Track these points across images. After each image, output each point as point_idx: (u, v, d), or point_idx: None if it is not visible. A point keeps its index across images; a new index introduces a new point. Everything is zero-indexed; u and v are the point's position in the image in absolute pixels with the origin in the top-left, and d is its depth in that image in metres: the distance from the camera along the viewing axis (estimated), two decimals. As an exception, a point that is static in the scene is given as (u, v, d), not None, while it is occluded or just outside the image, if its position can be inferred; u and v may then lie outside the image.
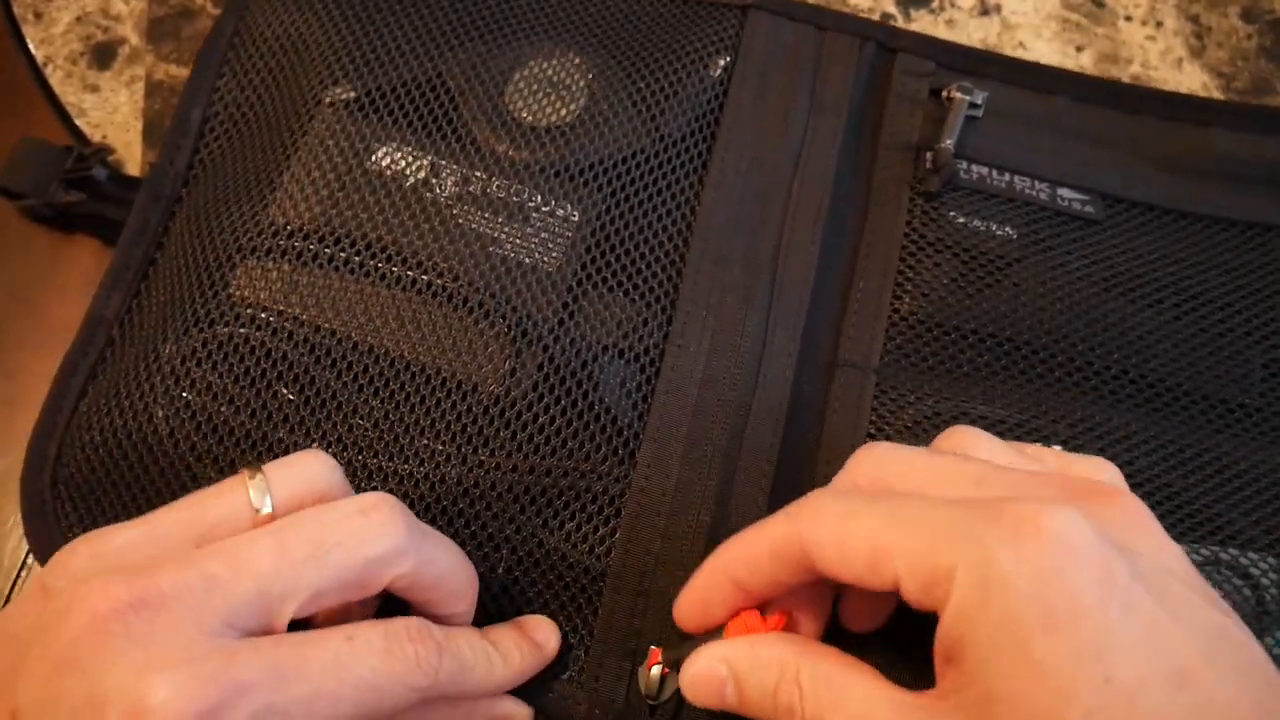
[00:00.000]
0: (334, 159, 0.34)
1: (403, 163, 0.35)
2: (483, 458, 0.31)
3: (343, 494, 0.27)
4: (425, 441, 0.31)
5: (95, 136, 0.41)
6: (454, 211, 0.34)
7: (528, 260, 0.33)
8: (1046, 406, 0.35)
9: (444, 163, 0.35)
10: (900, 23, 0.44)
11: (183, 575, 0.24)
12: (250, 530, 0.25)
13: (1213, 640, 0.22)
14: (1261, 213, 0.39)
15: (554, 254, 0.34)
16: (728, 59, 0.39)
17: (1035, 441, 0.33)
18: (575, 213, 0.35)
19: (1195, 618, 0.23)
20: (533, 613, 0.31)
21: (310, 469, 0.27)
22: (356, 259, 0.33)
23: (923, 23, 0.44)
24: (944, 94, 0.39)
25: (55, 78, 0.42)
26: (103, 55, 0.43)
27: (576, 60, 0.37)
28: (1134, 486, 0.33)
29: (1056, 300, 0.36)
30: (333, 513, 0.26)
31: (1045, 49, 0.44)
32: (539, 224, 0.34)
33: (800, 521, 0.26)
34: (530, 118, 0.36)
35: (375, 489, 0.31)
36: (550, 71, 0.37)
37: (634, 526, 0.32)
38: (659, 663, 0.30)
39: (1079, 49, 0.44)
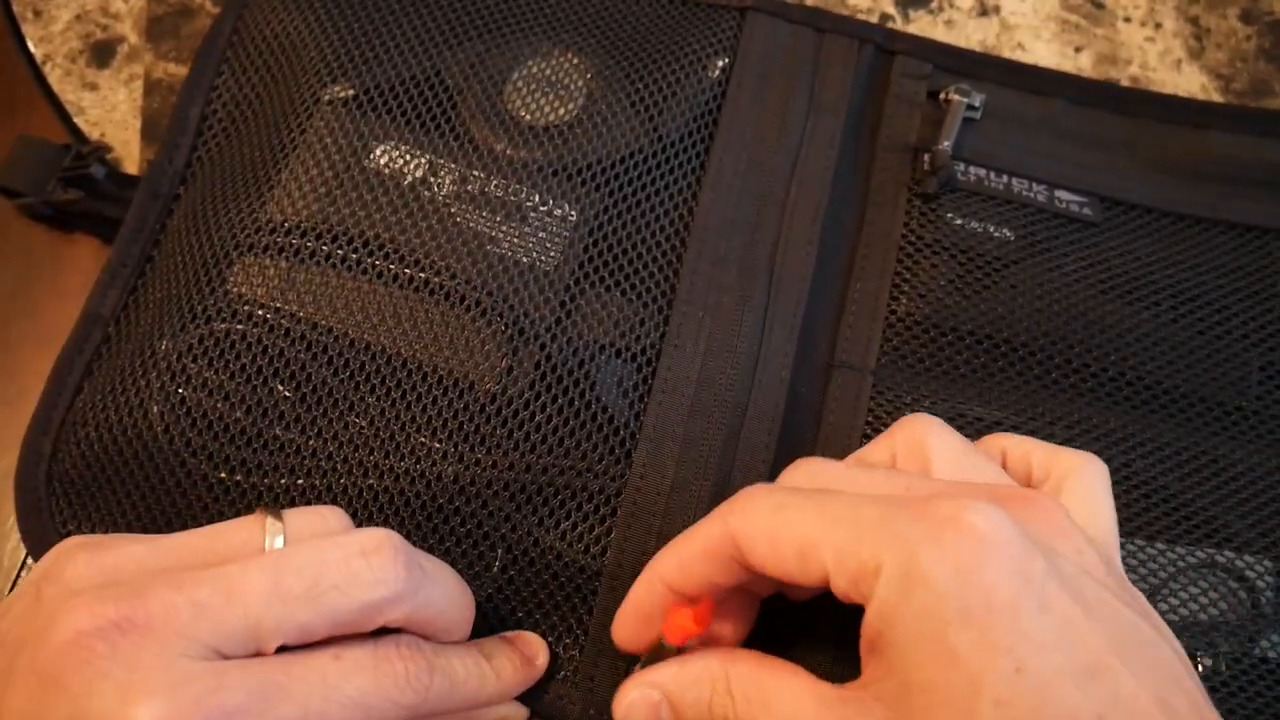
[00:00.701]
0: (332, 156, 0.35)
1: (401, 161, 0.35)
2: (479, 455, 0.31)
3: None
4: (421, 439, 0.31)
5: (94, 135, 0.41)
6: (452, 210, 0.34)
7: (525, 259, 0.33)
8: (1043, 408, 0.35)
9: (442, 161, 0.35)
10: (899, 23, 0.44)
11: (171, 598, 0.24)
12: (248, 559, 0.25)
13: (1124, 638, 0.23)
14: (1259, 215, 0.39)
15: (552, 253, 0.34)
16: (726, 60, 0.39)
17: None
18: (573, 212, 0.35)
19: (1108, 616, 0.23)
20: (527, 612, 0.31)
21: (329, 522, 0.27)
22: (354, 256, 0.33)
23: (921, 23, 0.44)
24: (942, 96, 0.40)
25: (54, 76, 0.42)
26: (102, 53, 0.43)
27: (575, 60, 0.37)
28: (1130, 489, 0.34)
29: (1054, 302, 0.36)
30: (334, 551, 0.25)
31: (1044, 50, 0.44)
32: (537, 223, 0.34)
33: (731, 518, 0.26)
34: (529, 117, 0.36)
35: (371, 486, 0.31)
36: (549, 71, 0.37)
37: (629, 526, 0.32)
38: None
39: (1078, 50, 0.44)
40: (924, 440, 0.28)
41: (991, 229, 0.38)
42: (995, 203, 0.38)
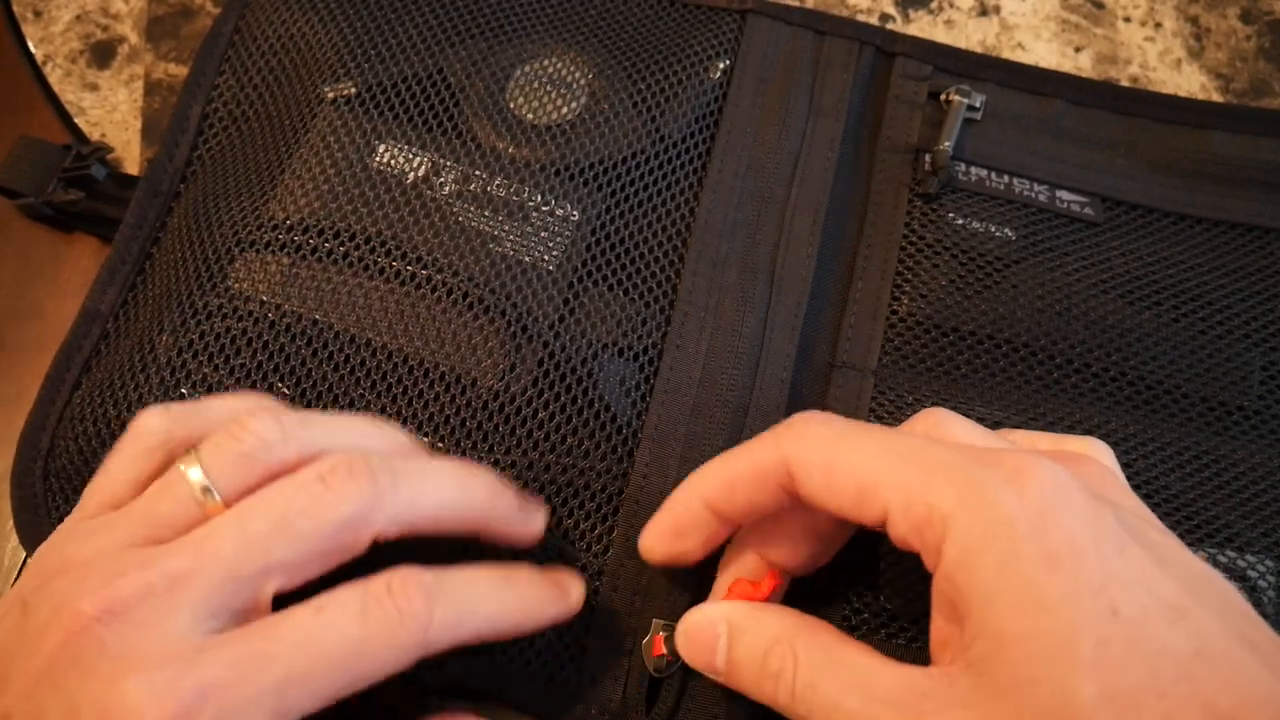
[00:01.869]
0: (335, 155, 0.35)
1: (403, 160, 0.35)
2: (481, 454, 0.31)
3: (294, 454, 0.26)
4: (423, 436, 0.31)
5: (94, 135, 0.41)
6: (454, 209, 0.34)
7: (527, 258, 0.33)
8: (1045, 409, 0.35)
9: (445, 161, 0.35)
10: (899, 23, 0.44)
11: (144, 577, 0.23)
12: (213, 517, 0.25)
13: (1196, 580, 0.23)
14: (1260, 215, 0.39)
15: (554, 252, 0.34)
16: (727, 62, 0.39)
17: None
18: (575, 212, 0.35)
19: (1178, 561, 0.24)
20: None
21: (246, 442, 0.25)
22: (356, 254, 0.33)
23: (921, 23, 0.44)
24: (942, 97, 0.40)
25: (54, 76, 0.42)
26: (102, 54, 0.43)
27: (577, 60, 0.37)
28: (1134, 488, 0.34)
29: (1055, 302, 0.36)
30: (291, 483, 0.25)
31: (1044, 50, 0.44)
32: (539, 223, 0.34)
33: (786, 443, 0.25)
34: (531, 117, 0.36)
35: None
36: (551, 71, 0.37)
37: (631, 525, 0.31)
38: (662, 648, 0.30)
39: (1078, 50, 0.44)
40: (947, 426, 0.28)
41: (993, 229, 0.38)
42: (996, 203, 0.38)
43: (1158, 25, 0.44)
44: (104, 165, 0.38)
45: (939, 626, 0.24)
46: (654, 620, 0.30)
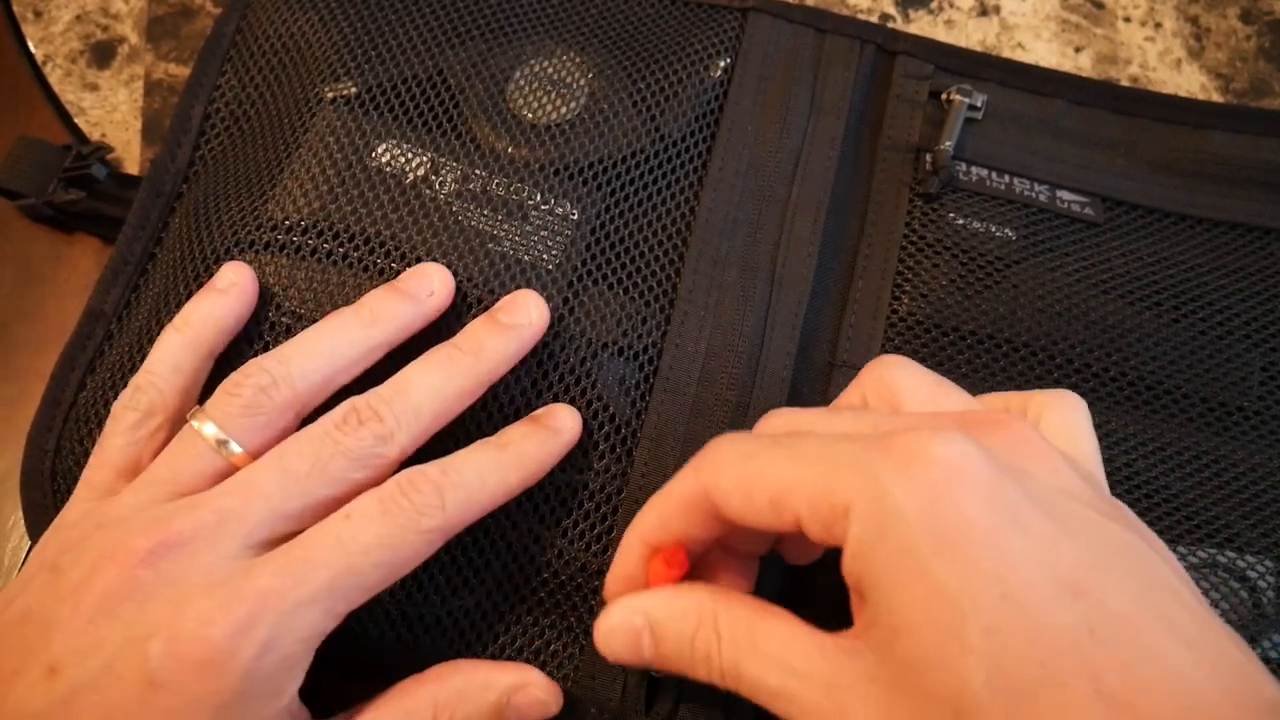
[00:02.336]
0: (334, 155, 0.35)
1: (403, 159, 0.35)
2: (480, 453, 0.31)
3: (289, 391, 0.29)
4: None
5: (94, 135, 0.41)
6: (453, 209, 0.34)
7: (527, 258, 0.33)
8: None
9: (444, 160, 0.35)
10: (899, 23, 0.44)
11: (197, 514, 0.26)
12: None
13: (1109, 552, 0.22)
14: (1260, 215, 0.39)
15: (553, 252, 0.34)
16: (728, 61, 0.39)
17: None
18: (575, 211, 0.35)
19: (1090, 532, 0.23)
20: (527, 609, 0.31)
21: (245, 394, 0.28)
22: (355, 254, 0.33)
23: (921, 23, 0.44)
24: (944, 96, 0.40)
25: (54, 76, 0.42)
26: (102, 54, 0.43)
27: (577, 59, 0.37)
28: (1132, 489, 0.34)
29: (1055, 302, 0.36)
30: (317, 430, 0.28)
31: (1044, 50, 0.44)
32: (538, 222, 0.34)
33: (703, 471, 0.26)
34: (531, 116, 0.36)
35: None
36: (551, 70, 0.37)
37: (631, 524, 0.31)
38: None
39: (1078, 50, 0.44)
40: (892, 378, 0.28)
41: (993, 229, 0.38)
42: (997, 203, 0.38)
43: (1158, 25, 0.44)
44: (104, 165, 0.38)
45: (854, 603, 0.24)
46: None
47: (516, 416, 0.31)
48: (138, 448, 0.29)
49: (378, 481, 0.28)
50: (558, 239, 0.34)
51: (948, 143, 0.38)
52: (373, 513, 0.27)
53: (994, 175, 0.39)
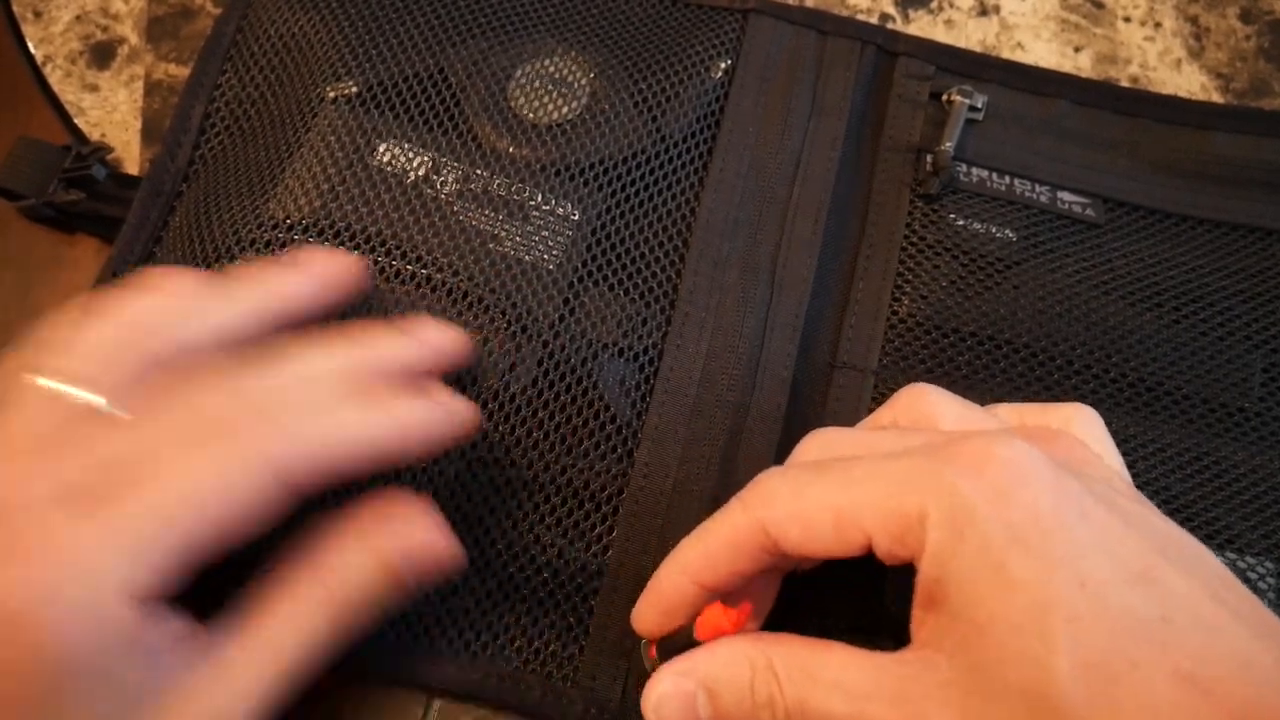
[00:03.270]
0: (335, 154, 0.35)
1: (404, 159, 0.35)
2: (481, 453, 0.31)
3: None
4: None
5: (94, 135, 0.41)
6: (455, 208, 0.34)
7: (528, 258, 0.33)
8: (1046, 410, 0.35)
9: (446, 160, 0.35)
10: (899, 23, 0.44)
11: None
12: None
13: (1164, 543, 0.23)
14: (1261, 216, 0.39)
15: (554, 252, 0.34)
16: (728, 62, 0.39)
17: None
18: (576, 212, 0.35)
19: (1147, 526, 0.24)
20: (527, 609, 0.31)
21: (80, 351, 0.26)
22: (356, 252, 0.33)
23: (921, 23, 0.44)
24: (944, 97, 0.40)
25: (54, 77, 0.42)
26: (102, 54, 0.43)
27: (578, 59, 0.37)
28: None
29: (1056, 303, 0.36)
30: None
31: (1044, 49, 0.44)
32: (539, 222, 0.34)
33: (755, 507, 0.26)
34: (532, 115, 0.36)
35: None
36: (552, 69, 0.37)
37: (632, 525, 0.31)
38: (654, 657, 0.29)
39: (1077, 49, 0.44)
40: (926, 401, 0.28)
41: (994, 230, 0.38)
42: (998, 203, 0.38)
43: (1157, 25, 0.44)
44: (104, 165, 0.38)
45: (917, 615, 0.25)
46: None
47: (517, 416, 0.31)
48: None
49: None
50: (558, 239, 0.34)
51: (949, 144, 0.38)
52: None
53: (995, 176, 0.39)
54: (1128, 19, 0.44)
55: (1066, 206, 0.38)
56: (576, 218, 0.35)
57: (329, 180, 0.34)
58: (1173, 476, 0.34)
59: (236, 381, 0.26)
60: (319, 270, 0.30)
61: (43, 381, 0.25)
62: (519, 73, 0.37)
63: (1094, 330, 0.36)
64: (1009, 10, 0.45)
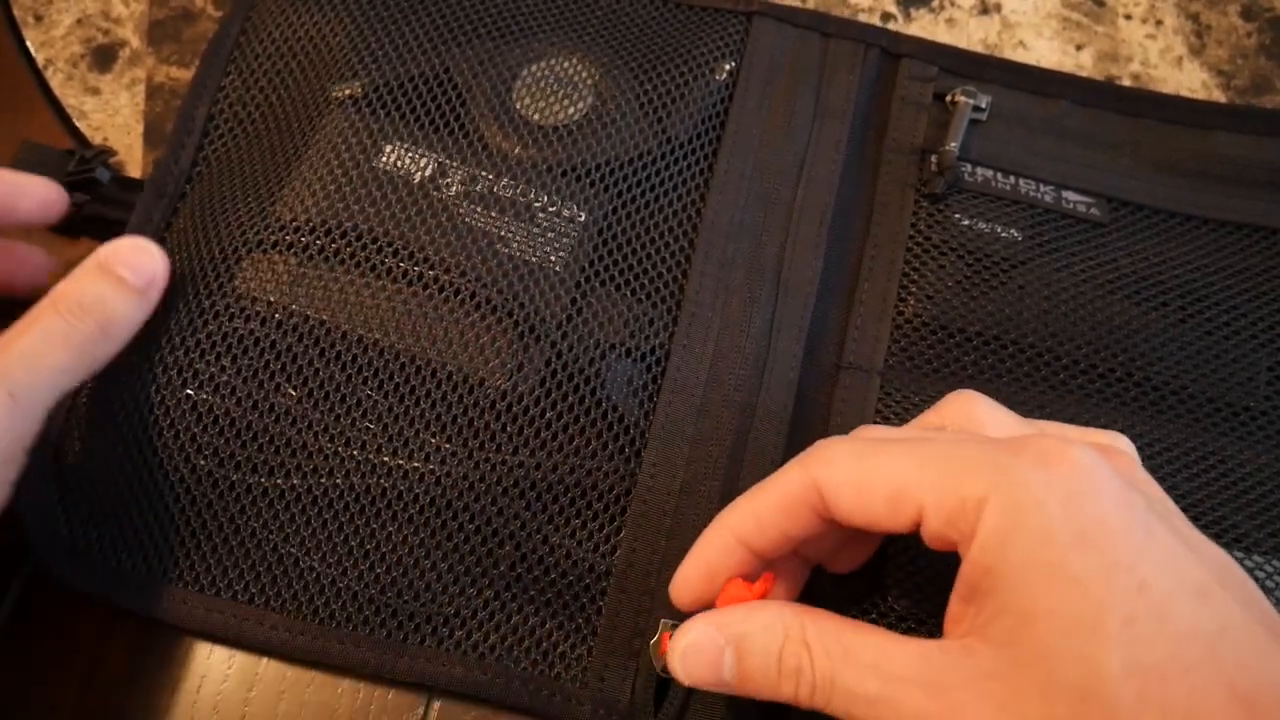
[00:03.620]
0: (342, 156, 0.34)
1: (410, 161, 0.35)
2: (489, 454, 0.31)
3: None
4: (431, 437, 0.31)
5: (96, 139, 0.41)
6: (460, 210, 0.34)
7: (534, 259, 0.33)
8: (1052, 410, 0.35)
9: (451, 162, 0.35)
10: (900, 22, 0.44)
11: None
12: None
13: (1221, 569, 0.24)
14: (1265, 215, 0.39)
15: (560, 253, 0.34)
16: (733, 64, 0.39)
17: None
18: (581, 213, 0.35)
19: (1204, 548, 0.24)
20: (535, 610, 0.31)
21: None
22: (363, 254, 0.33)
23: (923, 21, 0.44)
24: (948, 98, 0.40)
25: (56, 80, 0.42)
26: (103, 58, 0.43)
27: (583, 61, 0.37)
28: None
29: (1062, 303, 0.36)
30: None
31: (1045, 48, 0.44)
32: (545, 223, 0.34)
33: (813, 467, 0.26)
34: (537, 117, 0.36)
35: (381, 485, 0.31)
36: (558, 71, 0.37)
37: (639, 526, 0.31)
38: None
39: (1079, 48, 0.44)
40: (976, 409, 0.28)
41: (999, 230, 0.38)
42: (1002, 203, 0.38)
43: (1158, 23, 0.44)
44: (108, 169, 0.38)
45: (955, 609, 0.25)
46: (661, 620, 0.30)
47: (525, 417, 0.31)
48: None
49: None
50: (564, 240, 0.34)
51: (953, 144, 0.38)
52: None
53: (999, 176, 0.39)
54: (1129, 17, 0.44)
55: (1071, 206, 0.38)
56: (582, 219, 0.34)
57: (335, 182, 0.34)
58: (1180, 475, 0.34)
59: None
60: None
61: None
62: (524, 74, 0.37)
63: (1100, 330, 0.36)
64: (1010, 9, 0.45)
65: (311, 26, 0.38)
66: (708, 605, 0.27)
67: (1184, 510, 0.33)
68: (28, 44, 0.43)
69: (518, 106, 0.36)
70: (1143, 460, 0.34)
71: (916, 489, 0.24)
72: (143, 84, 0.42)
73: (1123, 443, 0.28)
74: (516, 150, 0.35)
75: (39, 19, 0.43)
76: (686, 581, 0.28)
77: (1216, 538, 0.33)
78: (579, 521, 0.31)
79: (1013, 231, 0.38)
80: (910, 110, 0.40)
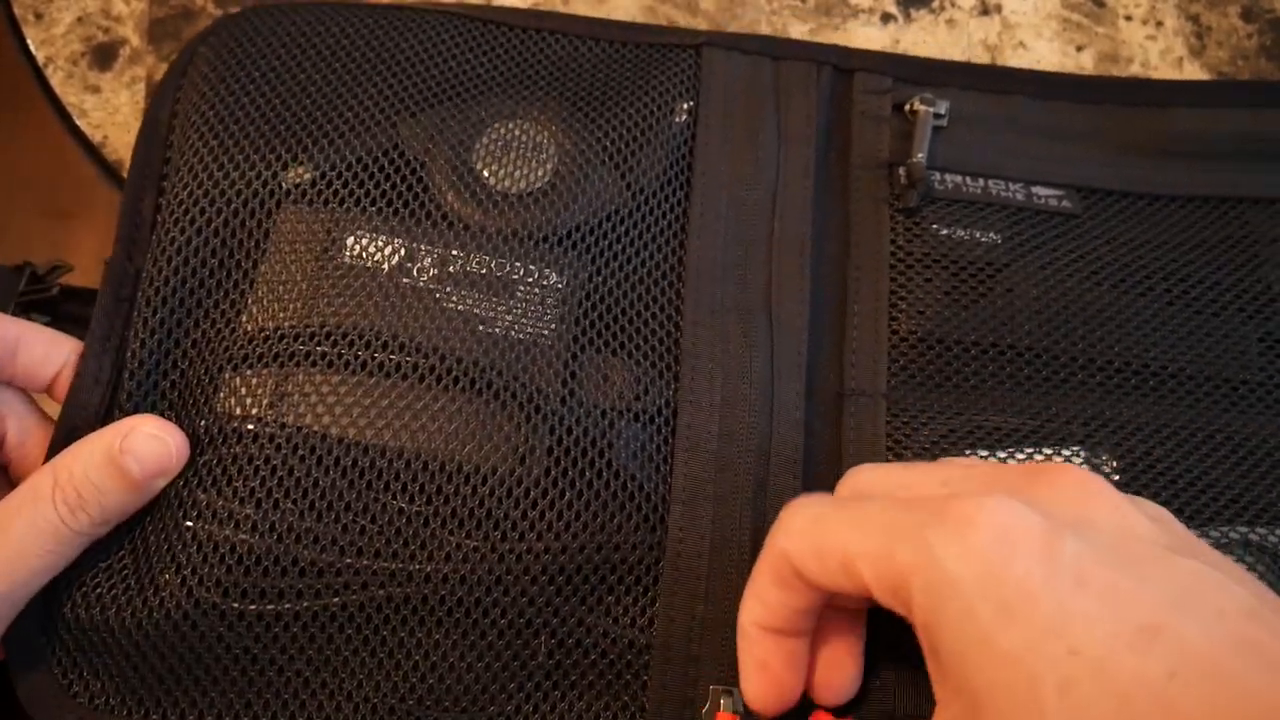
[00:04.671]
0: (303, 257, 0.33)
1: (375, 250, 0.33)
2: (511, 543, 0.30)
3: None
4: (449, 535, 0.30)
5: (96, 137, 0.41)
6: (436, 296, 0.33)
7: (521, 335, 0.32)
8: (1057, 409, 0.35)
9: (419, 245, 0.34)
10: (901, 22, 0.44)
11: None
12: None
13: (1180, 590, 0.22)
14: (1231, 186, 0.39)
15: (548, 324, 0.33)
16: (690, 103, 0.38)
17: (1053, 446, 0.34)
18: (561, 280, 0.34)
19: (1158, 573, 0.23)
20: (579, 694, 0.30)
21: None
22: (343, 355, 0.31)
23: (923, 22, 0.44)
24: (907, 108, 0.39)
25: (56, 78, 0.42)
26: (103, 56, 0.43)
27: (540, 119, 0.36)
28: (1156, 477, 0.34)
29: (1052, 301, 0.36)
30: None
31: (1045, 49, 0.44)
32: (526, 295, 0.33)
33: (778, 538, 0.26)
34: (504, 184, 0.35)
35: (403, 593, 0.30)
36: (517, 134, 0.36)
37: (674, 593, 0.31)
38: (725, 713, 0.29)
39: (1079, 49, 0.44)
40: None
41: (978, 235, 0.37)
42: (976, 207, 0.38)
43: (1159, 24, 0.44)
44: (63, 287, 0.36)
45: (932, 675, 0.25)
46: (711, 688, 0.29)
47: (545, 499, 0.31)
48: None
49: None
50: (549, 311, 0.33)
51: (920, 154, 0.38)
52: None
53: (968, 180, 0.38)
54: (1129, 18, 0.45)
55: (1043, 201, 0.38)
56: (563, 285, 0.34)
57: (297, 286, 0.33)
58: (1191, 458, 0.34)
59: None
60: None
61: None
62: (481, 140, 0.36)
63: (1091, 323, 0.36)
64: (1011, 9, 0.45)
65: (248, 105, 0.36)
66: (789, 700, 0.28)
67: (1202, 492, 0.34)
68: (28, 42, 0.43)
69: (479, 176, 0.35)
70: (1154, 447, 0.34)
71: (858, 557, 0.24)
72: (143, 82, 0.43)
73: (1072, 464, 0.28)
74: (486, 222, 0.34)
75: (39, 17, 0.43)
76: (753, 686, 0.28)
77: (1240, 513, 0.33)
78: (612, 598, 0.31)
79: (991, 235, 0.37)
80: (871, 125, 0.39)
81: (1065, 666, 0.21)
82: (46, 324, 0.35)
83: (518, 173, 0.35)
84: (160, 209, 0.35)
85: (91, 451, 0.29)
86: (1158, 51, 0.44)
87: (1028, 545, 0.23)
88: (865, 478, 0.29)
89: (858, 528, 0.25)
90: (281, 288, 0.33)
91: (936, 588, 0.23)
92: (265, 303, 0.33)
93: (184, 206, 0.35)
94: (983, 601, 0.22)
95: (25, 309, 0.35)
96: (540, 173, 0.35)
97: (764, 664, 0.27)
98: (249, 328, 0.32)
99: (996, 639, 0.22)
